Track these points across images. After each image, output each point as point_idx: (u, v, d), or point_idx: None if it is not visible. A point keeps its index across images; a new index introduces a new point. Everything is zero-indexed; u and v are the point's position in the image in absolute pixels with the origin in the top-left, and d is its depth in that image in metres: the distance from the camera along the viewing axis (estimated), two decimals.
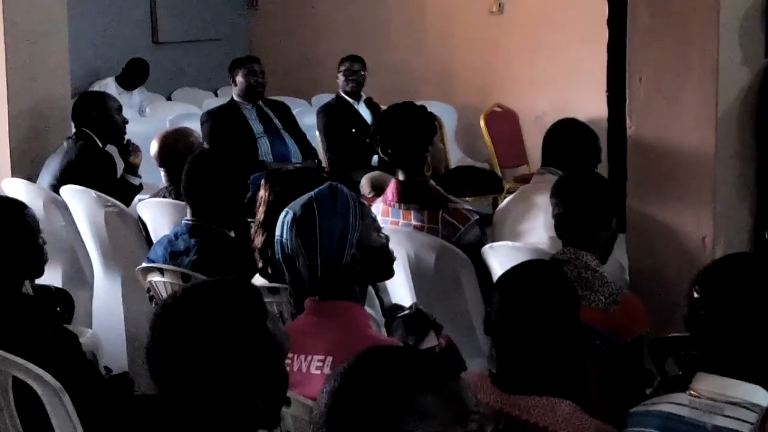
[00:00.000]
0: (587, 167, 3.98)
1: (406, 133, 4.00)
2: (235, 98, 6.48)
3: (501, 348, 2.33)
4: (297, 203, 2.63)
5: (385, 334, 2.89)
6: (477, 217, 4.00)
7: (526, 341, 2.30)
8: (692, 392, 2.14)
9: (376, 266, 2.67)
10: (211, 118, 6.36)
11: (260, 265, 3.29)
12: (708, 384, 2.12)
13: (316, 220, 2.56)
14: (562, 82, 8.55)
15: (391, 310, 3.21)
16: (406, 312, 2.95)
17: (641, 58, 4.08)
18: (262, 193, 3.38)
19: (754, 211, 4.07)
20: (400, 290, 3.91)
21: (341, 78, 7.05)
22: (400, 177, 4.04)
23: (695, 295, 2.17)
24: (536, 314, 2.31)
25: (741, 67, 3.97)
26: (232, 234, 3.80)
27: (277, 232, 2.64)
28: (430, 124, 4.08)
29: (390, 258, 2.73)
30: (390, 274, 2.78)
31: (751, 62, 3.99)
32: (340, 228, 2.57)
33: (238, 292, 1.95)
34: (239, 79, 6.45)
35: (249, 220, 3.57)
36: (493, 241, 3.95)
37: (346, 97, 7.00)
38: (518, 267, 2.45)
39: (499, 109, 8.72)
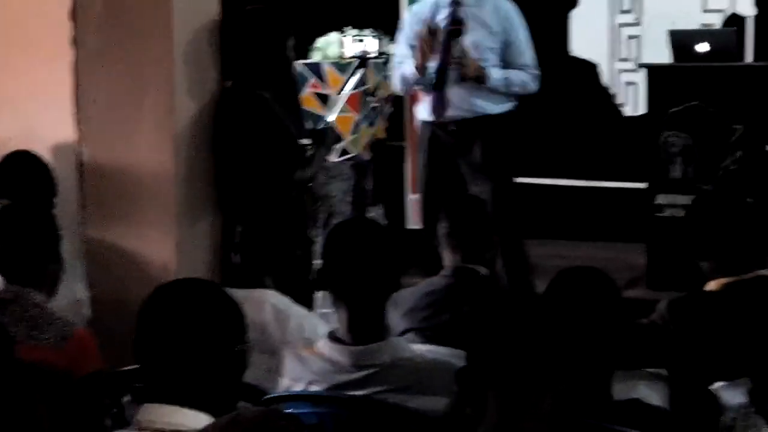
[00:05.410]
0: (40, 197, 3.79)
1: None
2: None
3: None
4: None
5: None
6: None
7: None
8: (141, 425, 2.05)
9: None
10: None
11: None
12: (152, 414, 2.04)
13: None
14: (28, 105, 8.17)
15: None
16: None
17: (93, 81, 3.99)
18: None
19: (218, 233, 4.07)
20: None
21: None
22: None
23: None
24: None
25: (196, 88, 3.97)
26: None
27: None
28: None
29: None
30: None
31: (206, 84, 4.01)
32: None
33: None
34: None
35: None
36: None
37: None
38: None
39: None
